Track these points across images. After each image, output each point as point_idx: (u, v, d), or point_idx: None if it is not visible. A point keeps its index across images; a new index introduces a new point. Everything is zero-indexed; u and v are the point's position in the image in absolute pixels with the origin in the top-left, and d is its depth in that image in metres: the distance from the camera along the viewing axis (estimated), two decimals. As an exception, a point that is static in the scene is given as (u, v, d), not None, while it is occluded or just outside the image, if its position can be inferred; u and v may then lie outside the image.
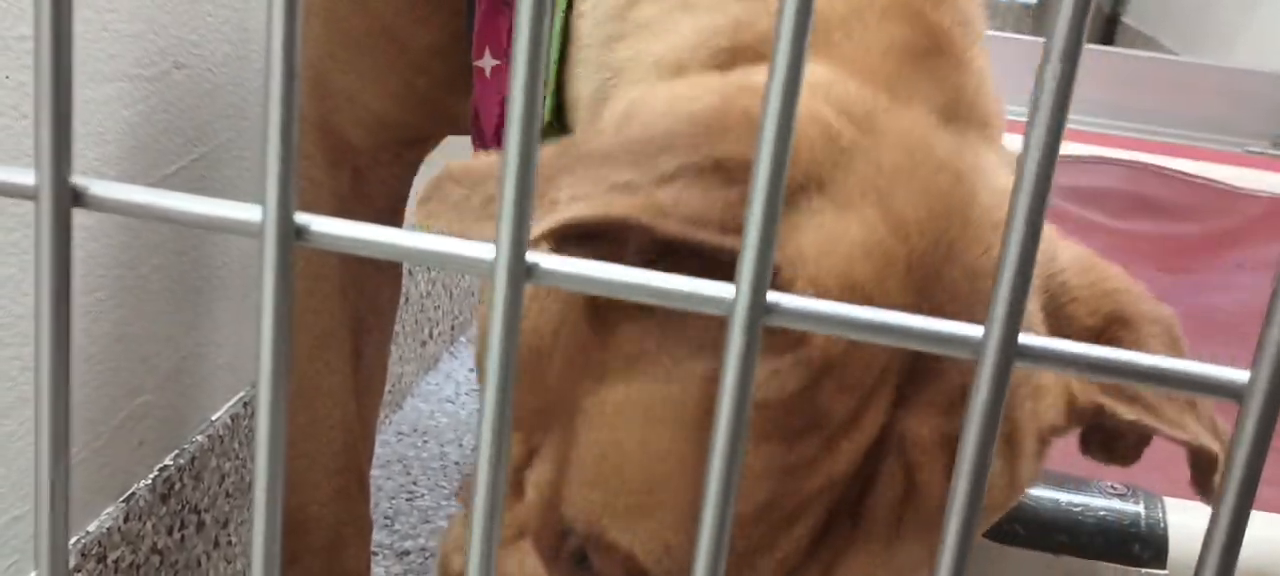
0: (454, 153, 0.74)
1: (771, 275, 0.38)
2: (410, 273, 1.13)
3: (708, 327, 0.40)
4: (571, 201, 0.38)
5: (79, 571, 0.68)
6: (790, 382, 0.40)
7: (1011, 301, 0.26)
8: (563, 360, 0.43)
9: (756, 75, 0.45)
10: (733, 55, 0.46)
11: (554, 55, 0.54)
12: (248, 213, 0.30)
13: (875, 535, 0.42)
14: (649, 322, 0.41)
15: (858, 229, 0.40)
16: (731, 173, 0.39)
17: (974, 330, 0.27)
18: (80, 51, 0.63)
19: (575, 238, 0.38)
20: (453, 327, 1.27)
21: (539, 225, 0.38)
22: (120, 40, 0.66)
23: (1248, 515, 0.26)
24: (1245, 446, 0.25)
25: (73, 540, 0.68)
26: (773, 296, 0.27)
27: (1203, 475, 0.44)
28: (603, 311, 0.42)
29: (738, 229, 0.38)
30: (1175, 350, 0.46)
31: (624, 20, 0.50)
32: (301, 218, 0.30)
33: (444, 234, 0.38)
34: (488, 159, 0.39)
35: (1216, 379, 0.26)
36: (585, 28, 0.52)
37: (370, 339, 0.72)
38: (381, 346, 0.73)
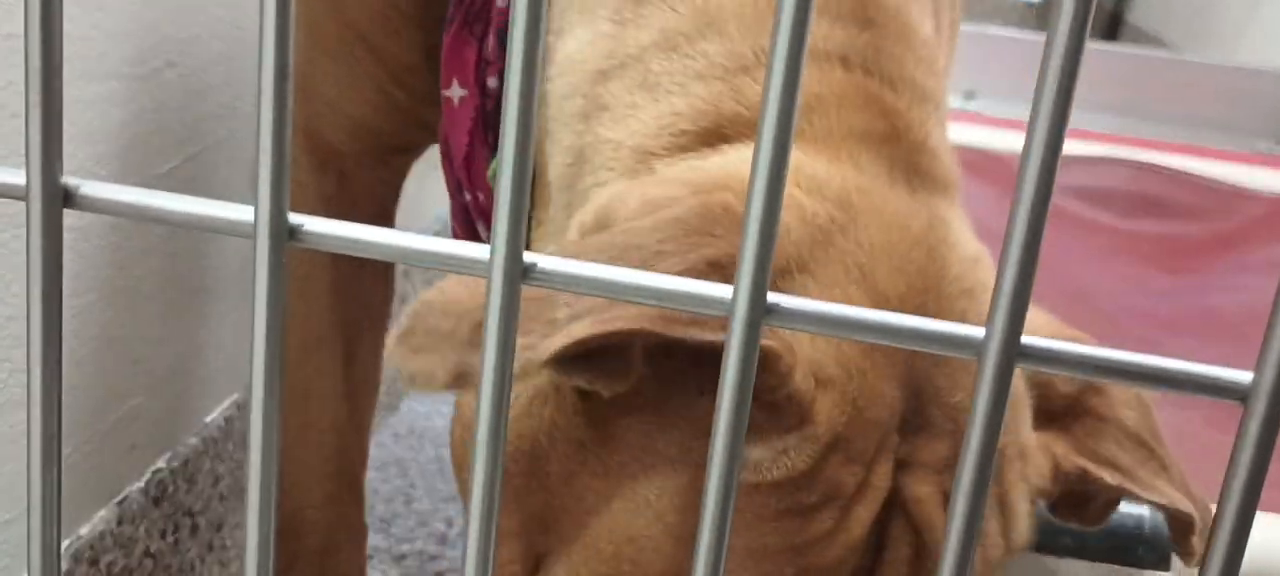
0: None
1: (765, 354, 0.39)
2: (406, 274, 1.12)
3: (712, 410, 0.41)
4: (573, 320, 0.38)
5: (71, 575, 0.68)
6: (799, 460, 0.41)
7: (1013, 301, 0.26)
8: (560, 461, 0.43)
9: (724, 159, 0.46)
10: (697, 139, 0.47)
11: None
12: (240, 213, 0.30)
13: None
14: (648, 414, 0.42)
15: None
16: (727, 270, 0.40)
17: (976, 331, 0.27)
18: (71, 50, 0.62)
19: (581, 355, 0.39)
20: (448, 329, 1.26)
21: (545, 347, 0.38)
22: (111, 39, 0.65)
23: (1252, 516, 0.26)
24: (1249, 447, 0.25)
25: (65, 544, 0.68)
26: (772, 297, 0.27)
27: (1180, 537, 0.46)
28: (599, 409, 0.43)
29: None
30: (1146, 416, 0.48)
31: (588, 97, 0.50)
32: (294, 217, 0.30)
33: (429, 372, 0.38)
34: (470, 286, 0.39)
35: (1220, 380, 0.26)
36: (553, 93, 0.52)
37: (363, 342, 0.71)
38: (375, 349, 0.73)
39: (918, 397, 0.42)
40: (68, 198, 0.30)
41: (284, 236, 0.30)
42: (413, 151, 0.70)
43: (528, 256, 0.28)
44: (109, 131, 0.67)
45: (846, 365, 0.42)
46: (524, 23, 0.25)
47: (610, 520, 0.42)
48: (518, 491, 0.44)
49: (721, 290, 0.27)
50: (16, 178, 0.29)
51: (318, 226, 0.30)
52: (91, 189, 0.30)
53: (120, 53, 0.66)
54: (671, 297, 0.28)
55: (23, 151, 0.28)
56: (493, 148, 0.57)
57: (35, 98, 0.28)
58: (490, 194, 0.59)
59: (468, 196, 0.60)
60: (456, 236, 0.63)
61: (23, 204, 0.28)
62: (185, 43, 0.72)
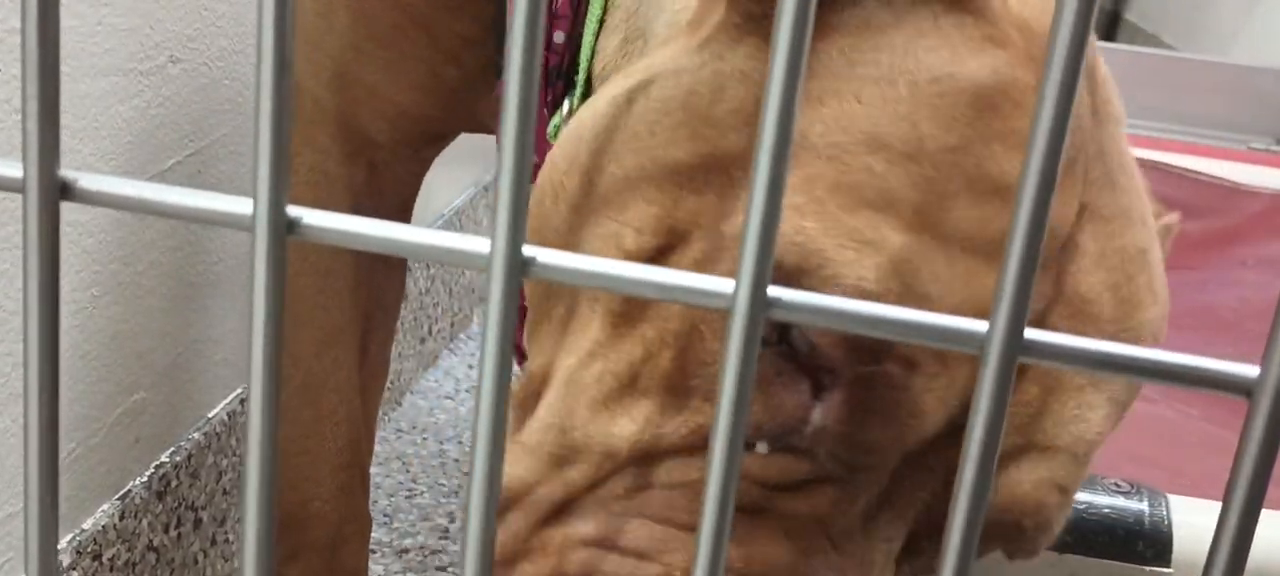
0: (453, 144, 0.73)
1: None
2: (410, 269, 1.12)
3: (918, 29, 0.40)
4: None
5: (74, 569, 0.68)
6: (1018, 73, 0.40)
7: (1016, 294, 0.26)
8: (732, 100, 0.41)
9: None
10: None
11: (591, 32, 0.52)
12: (239, 205, 0.29)
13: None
14: (849, 34, 0.40)
15: None
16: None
17: (979, 325, 0.26)
18: (75, 46, 0.62)
19: None
20: (452, 324, 1.26)
21: None
22: (115, 34, 0.65)
23: (1258, 512, 0.25)
24: (1255, 442, 0.25)
25: (68, 537, 0.68)
26: (773, 291, 0.27)
27: None
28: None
29: None
30: None
31: None
32: (294, 211, 0.29)
33: None
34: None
35: (1226, 374, 0.25)
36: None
37: (375, 335, 0.71)
38: (385, 342, 0.73)
39: None
40: (65, 190, 0.29)
41: (283, 229, 0.30)
42: (445, 140, 0.69)
43: (527, 250, 0.27)
44: (112, 127, 0.66)
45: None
46: (525, 10, 0.25)
47: (806, 145, 0.39)
48: (655, 148, 0.41)
49: (723, 284, 0.27)
50: (14, 170, 0.29)
51: (317, 220, 0.30)
52: (90, 182, 0.29)
53: (124, 48, 0.66)
54: (673, 291, 0.28)
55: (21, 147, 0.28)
56: (553, 104, 0.55)
57: (32, 88, 0.28)
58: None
59: None
60: None
61: (21, 197, 0.28)
62: (189, 38, 0.72)
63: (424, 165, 0.70)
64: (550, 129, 0.55)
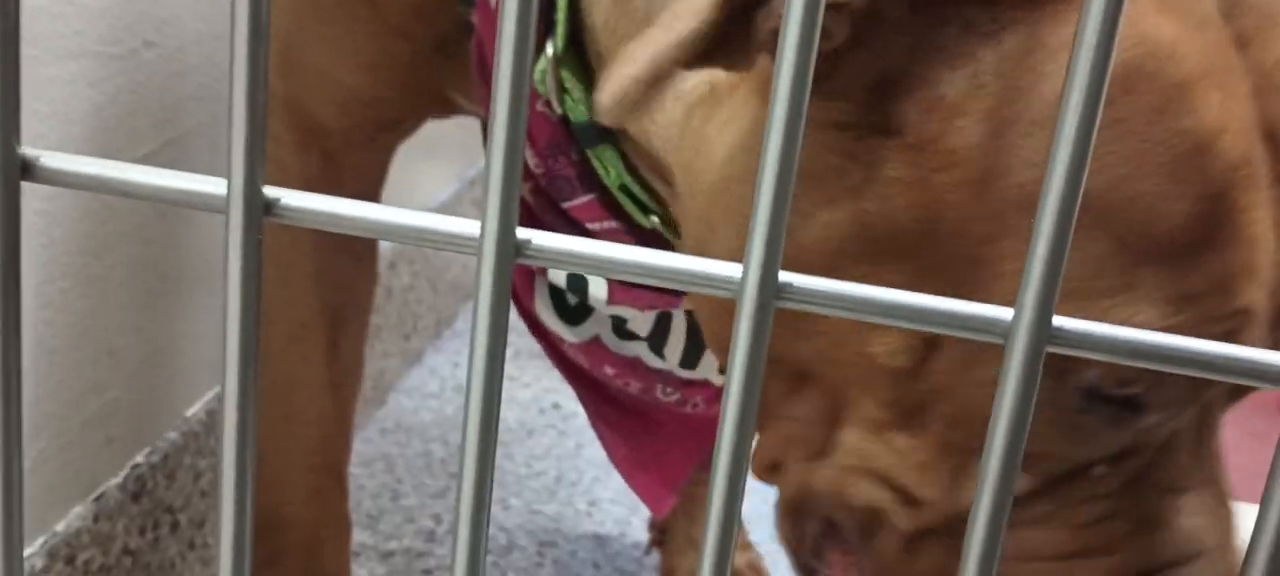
0: (437, 135, 0.72)
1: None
2: (392, 266, 1.10)
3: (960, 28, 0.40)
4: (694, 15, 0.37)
5: (47, 573, 0.66)
6: None
7: (1044, 282, 0.24)
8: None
9: None
10: None
11: None
12: (212, 186, 0.28)
13: None
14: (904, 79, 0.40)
15: None
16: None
17: (1003, 312, 0.25)
18: (43, 26, 0.60)
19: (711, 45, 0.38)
20: (437, 322, 1.24)
21: (665, 41, 0.36)
22: (86, 15, 0.63)
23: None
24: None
25: (40, 540, 0.66)
26: (784, 276, 0.25)
27: None
28: (848, 129, 0.41)
29: None
30: None
31: None
32: (271, 191, 0.28)
33: None
34: None
35: (1273, 366, 0.24)
36: None
37: (346, 332, 0.69)
38: (358, 339, 0.71)
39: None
40: (27, 169, 0.28)
41: (259, 210, 0.28)
42: (405, 128, 0.67)
43: (521, 233, 0.26)
44: (82, 112, 0.64)
45: None
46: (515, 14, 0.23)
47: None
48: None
49: (730, 269, 0.26)
50: (-32, 147, 0.27)
51: (296, 200, 0.28)
52: (52, 160, 0.28)
53: (95, 30, 0.64)
54: (675, 276, 0.26)
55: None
56: (539, 45, 0.53)
57: (-11, 59, 0.26)
58: (534, 104, 0.55)
59: None
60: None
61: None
62: (164, 21, 0.70)
63: (384, 154, 0.67)
64: (537, 74, 0.53)
